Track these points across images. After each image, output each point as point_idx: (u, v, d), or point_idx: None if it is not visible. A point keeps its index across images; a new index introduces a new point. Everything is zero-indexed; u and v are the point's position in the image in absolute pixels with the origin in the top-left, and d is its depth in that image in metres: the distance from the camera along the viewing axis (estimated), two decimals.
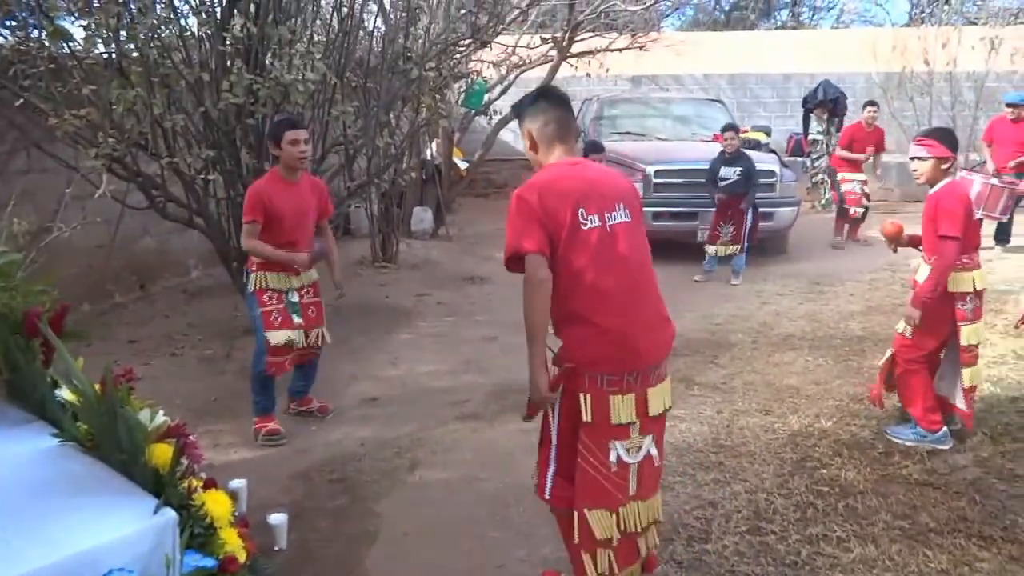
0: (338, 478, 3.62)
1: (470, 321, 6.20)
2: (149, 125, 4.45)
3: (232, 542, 2.43)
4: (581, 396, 2.41)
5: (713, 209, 7.25)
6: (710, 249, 7.29)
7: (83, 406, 2.46)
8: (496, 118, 9.31)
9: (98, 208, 5.84)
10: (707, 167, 7.24)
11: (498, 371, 5.00)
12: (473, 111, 9.50)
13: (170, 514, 2.26)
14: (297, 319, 4.02)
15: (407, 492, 3.48)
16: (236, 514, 2.72)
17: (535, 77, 9.93)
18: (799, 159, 11.82)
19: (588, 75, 9.75)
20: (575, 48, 10.17)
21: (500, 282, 7.33)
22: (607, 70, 9.30)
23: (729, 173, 7.11)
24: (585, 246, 2.38)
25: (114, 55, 4.40)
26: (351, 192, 5.89)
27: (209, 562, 2.16)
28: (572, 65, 9.61)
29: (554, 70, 9.54)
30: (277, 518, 3.06)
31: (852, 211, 8.62)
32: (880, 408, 4.09)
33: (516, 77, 9.94)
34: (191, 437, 2.58)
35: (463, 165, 10.07)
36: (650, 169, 7.81)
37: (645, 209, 7.70)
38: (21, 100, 4.41)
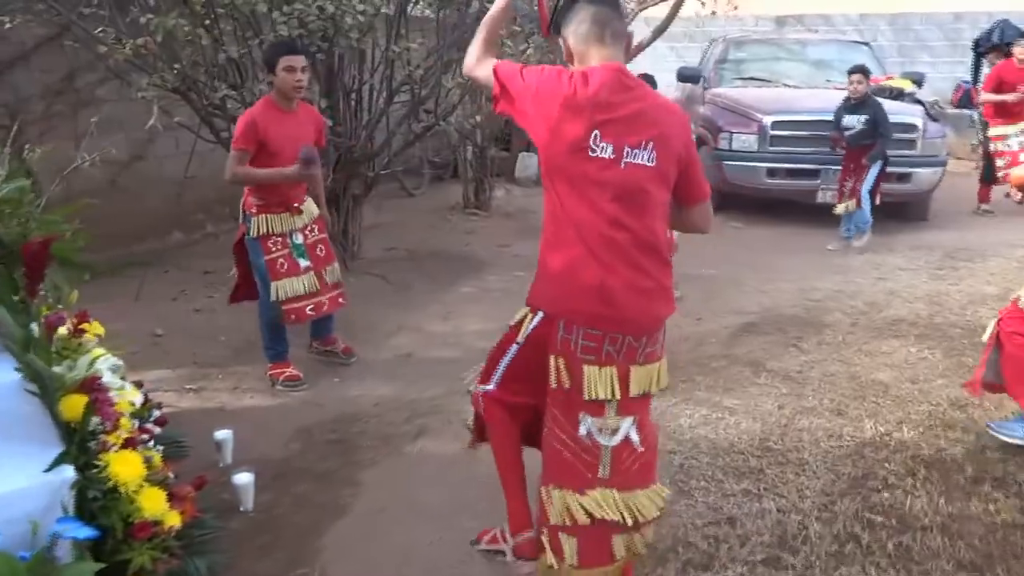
0: (337, 439, 3.40)
1: None
2: (202, 56, 4.32)
3: (152, 506, 2.25)
4: (552, 358, 2.06)
5: (839, 167, 6.40)
6: (838, 208, 6.44)
7: (9, 350, 2.32)
8: None
9: (189, 139, 5.88)
10: (831, 118, 6.37)
11: None
12: None
13: (66, 473, 2.11)
14: (304, 262, 3.80)
15: (400, 463, 3.21)
16: (169, 475, 2.57)
17: (656, 16, 9.15)
18: (967, 111, 10.30)
19: (713, 13, 8.86)
20: None
21: None
22: (735, 8, 8.40)
23: (852, 122, 6.21)
24: (580, 174, 1.99)
25: None
26: (417, 136, 5.59)
27: (85, 532, 1.95)
28: (701, 1, 8.74)
29: (676, 7, 8.71)
30: (242, 478, 2.88)
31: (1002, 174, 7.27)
32: (976, 395, 3.38)
33: (633, 17, 9.18)
34: (111, 392, 2.44)
35: None
36: (767, 120, 6.99)
37: (758, 164, 7.21)
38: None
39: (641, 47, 9.20)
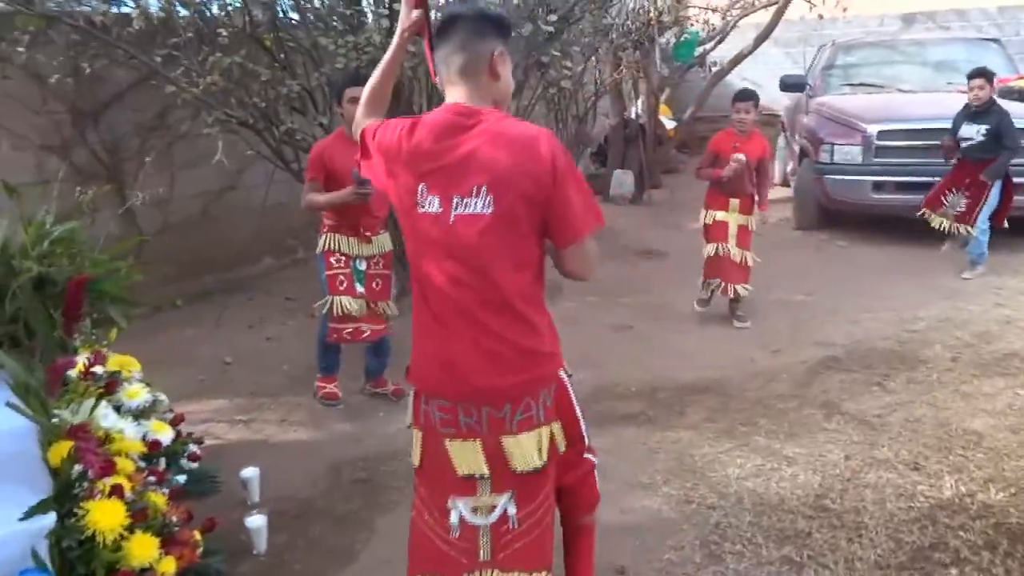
0: (365, 478, 3.34)
1: (614, 303, 5.57)
2: (266, 91, 4.44)
3: (141, 553, 2.25)
4: (414, 432, 1.93)
5: None
6: (935, 221, 5.79)
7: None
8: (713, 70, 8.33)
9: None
10: (949, 126, 5.76)
11: (610, 368, 4.39)
12: (685, 64, 8.58)
13: (45, 520, 2.13)
14: (360, 287, 3.88)
15: None
16: (181, 520, 2.57)
17: (757, 23, 8.69)
18: None
19: (820, 17, 8.26)
20: None
21: (675, 259, 6.59)
22: (844, 10, 7.78)
23: (971, 132, 5.55)
24: (415, 233, 1.86)
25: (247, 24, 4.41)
26: None
27: None
28: (810, 3, 8.18)
29: (779, 12, 8.22)
30: (255, 521, 2.86)
31: None
32: None
33: (734, 24, 8.77)
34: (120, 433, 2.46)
35: (671, 124, 9.17)
36: (872, 129, 6.43)
37: (862, 178, 6.60)
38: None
39: (742, 56, 8.79)
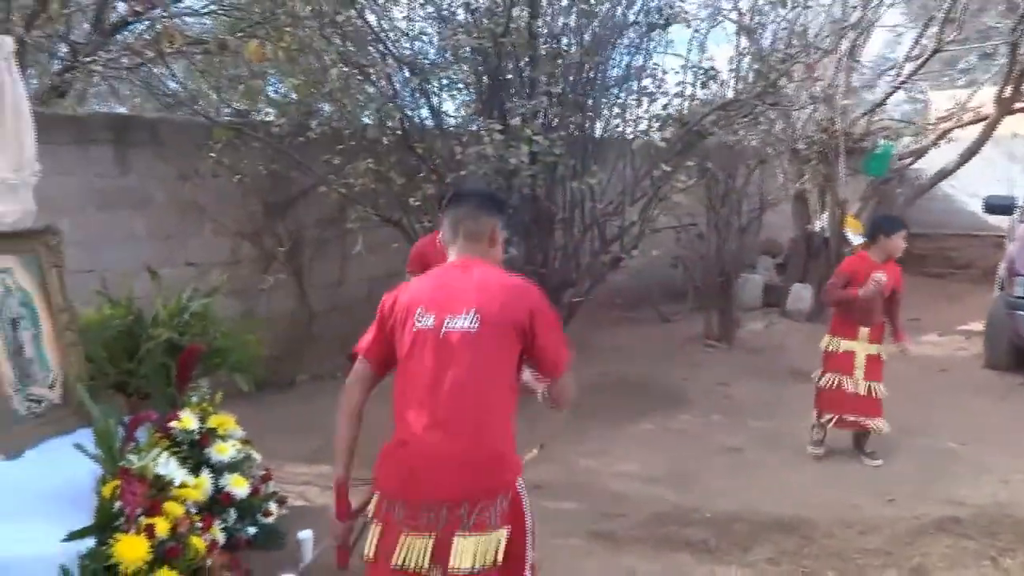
0: None
1: (736, 424, 5.33)
2: (403, 193, 4.99)
3: None
4: (373, 525, 2.10)
5: None
6: None
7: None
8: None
9: None
10: None
11: (695, 491, 4.23)
12: (877, 178, 8.11)
13: (82, 545, 2.55)
14: None
15: None
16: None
17: (968, 137, 8.03)
18: None
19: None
20: None
21: None
22: None
23: None
24: (407, 346, 2.10)
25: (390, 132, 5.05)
26: (605, 266, 5.62)
27: None
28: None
29: (991, 128, 7.55)
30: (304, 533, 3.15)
31: None
32: None
33: (939, 137, 8.16)
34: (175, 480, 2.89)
35: (857, 240, 8.60)
36: None
37: None
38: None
39: (945, 173, 8.17)
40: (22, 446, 3.17)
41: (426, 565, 1.96)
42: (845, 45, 7.66)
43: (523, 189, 4.87)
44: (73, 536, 2.55)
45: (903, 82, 8.02)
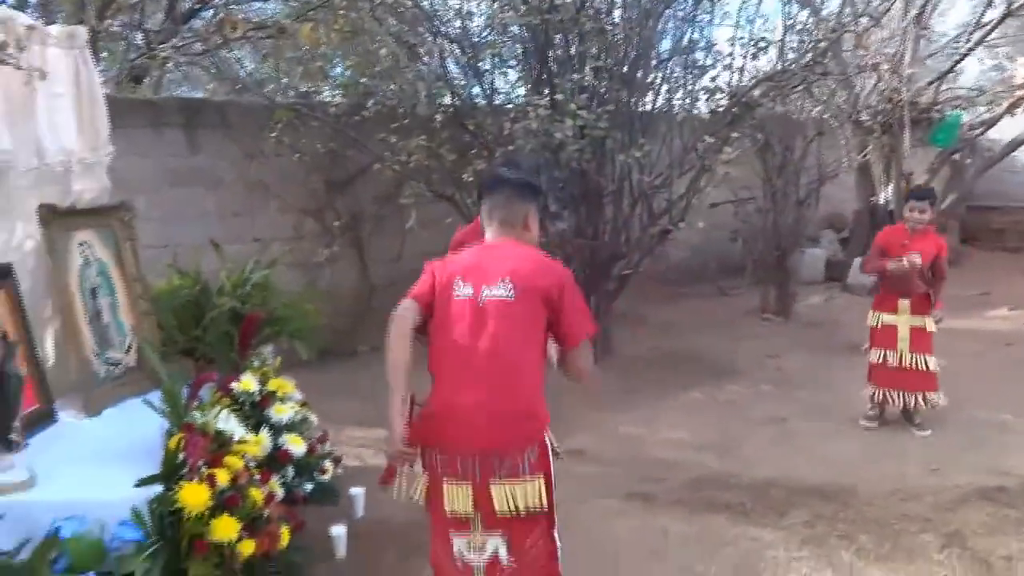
0: None
1: (784, 395, 5.34)
2: (455, 169, 5.14)
3: (222, 532, 2.85)
4: (421, 476, 2.31)
5: None
6: None
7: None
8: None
9: None
10: None
11: (737, 459, 4.30)
12: (945, 149, 7.86)
13: (152, 491, 2.82)
14: None
15: None
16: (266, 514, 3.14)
17: None
18: None
19: None
20: None
21: None
22: None
23: None
24: (448, 314, 2.29)
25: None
26: (654, 239, 5.64)
27: (132, 535, 2.63)
28: None
29: None
30: (336, 530, 3.37)
31: None
32: None
33: (1012, 106, 7.83)
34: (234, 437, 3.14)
35: None
36: None
37: None
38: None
39: (1017, 143, 7.86)
40: (102, 406, 3.49)
41: (470, 511, 2.17)
42: (912, 13, 7.43)
43: (571, 163, 4.96)
44: (143, 482, 2.81)
45: (971, 49, 7.71)
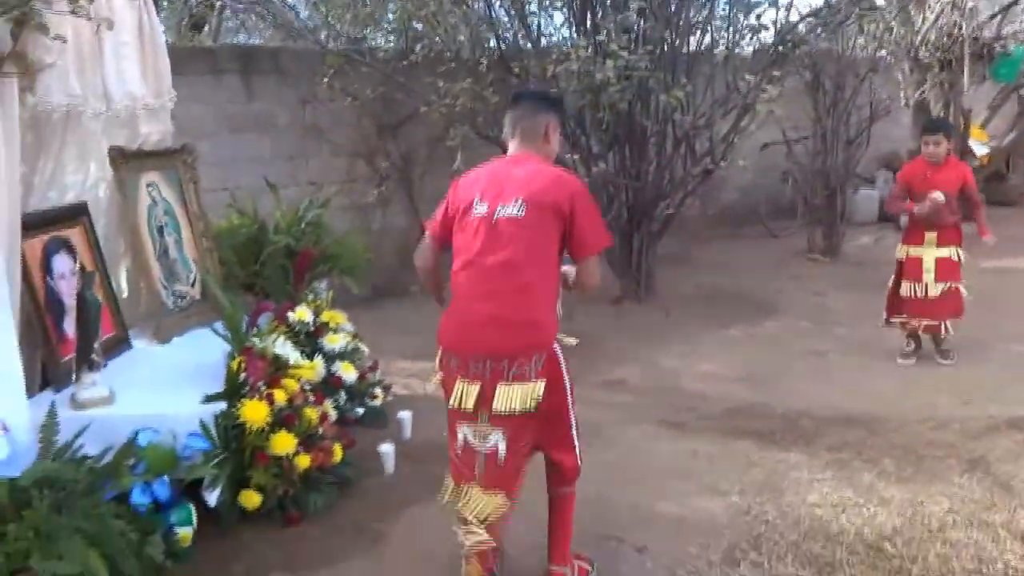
0: None
1: (824, 331, 5.41)
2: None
3: (280, 446, 3.15)
4: (439, 376, 2.57)
5: None
6: None
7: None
8: None
9: None
10: None
11: (772, 389, 4.43)
12: (1008, 85, 7.59)
13: (217, 407, 3.11)
14: None
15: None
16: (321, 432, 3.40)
17: None
18: None
19: None
20: None
21: None
22: None
23: None
24: (466, 227, 2.48)
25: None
26: (696, 179, 5.67)
27: (200, 444, 2.93)
28: None
29: None
30: (384, 448, 3.63)
31: None
32: None
33: None
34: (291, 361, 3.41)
35: (982, 150, 8.11)
36: None
37: None
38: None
39: None
40: (171, 334, 3.81)
41: (471, 407, 2.38)
42: None
43: (613, 104, 5.02)
44: (209, 399, 3.11)
45: None
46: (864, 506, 3.10)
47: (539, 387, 2.37)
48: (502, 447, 2.39)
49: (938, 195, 4.37)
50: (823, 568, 2.72)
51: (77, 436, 2.70)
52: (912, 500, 3.13)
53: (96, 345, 3.04)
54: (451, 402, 2.44)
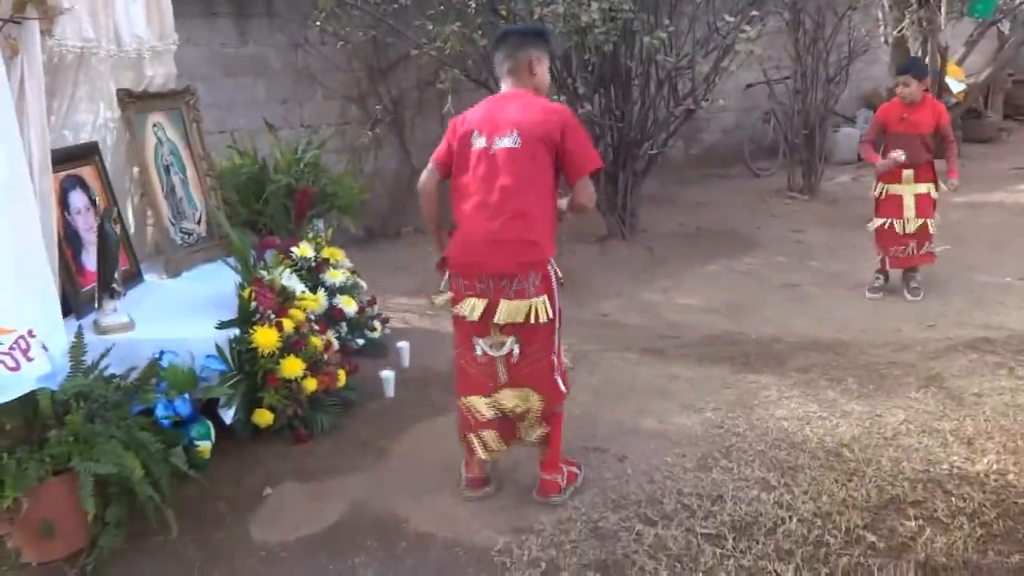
0: None
1: (799, 265, 5.68)
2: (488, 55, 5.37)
3: (289, 369, 3.39)
4: (449, 295, 2.81)
5: None
6: None
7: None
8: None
9: None
10: None
11: (747, 318, 4.71)
12: (983, 20, 7.73)
13: (231, 332, 3.34)
14: None
15: None
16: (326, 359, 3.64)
17: None
18: None
19: None
20: None
21: None
22: None
23: None
24: (466, 161, 2.70)
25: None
26: (678, 119, 5.85)
27: (216, 366, 3.18)
28: None
29: None
30: (385, 373, 3.89)
31: None
32: None
33: None
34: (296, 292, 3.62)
35: (958, 87, 8.28)
36: None
37: None
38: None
39: None
40: (179, 268, 4.02)
41: (476, 319, 2.66)
42: None
43: (598, 46, 5.16)
44: (223, 325, 3.34)
45: None
46: (827, 419, 3.39)
47: (538, 302, 2.63)
48: (516, 350, 2.68)
49: (899, 154, 4.59)
50: (786, 471, 3.01)
51: (102, 356, 2.94)
52: (871, 412, 3.43)
53: (116, 275, 3.24)
54: (458, 311, 2.71)
